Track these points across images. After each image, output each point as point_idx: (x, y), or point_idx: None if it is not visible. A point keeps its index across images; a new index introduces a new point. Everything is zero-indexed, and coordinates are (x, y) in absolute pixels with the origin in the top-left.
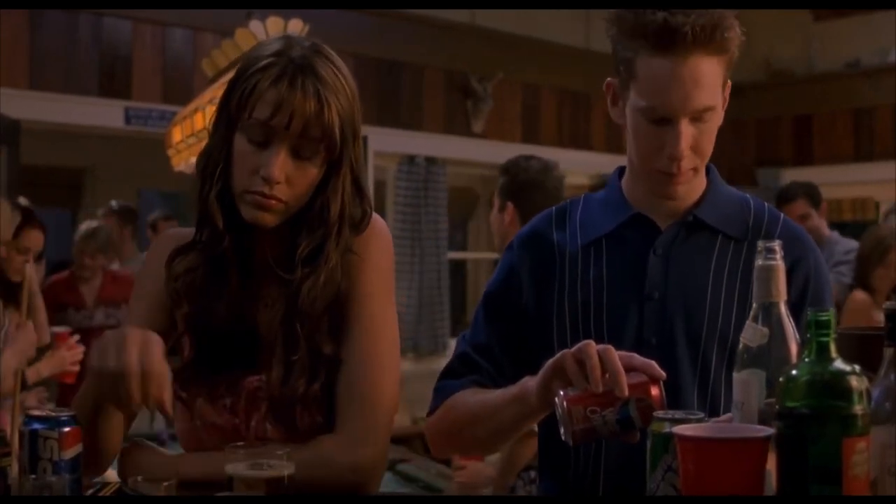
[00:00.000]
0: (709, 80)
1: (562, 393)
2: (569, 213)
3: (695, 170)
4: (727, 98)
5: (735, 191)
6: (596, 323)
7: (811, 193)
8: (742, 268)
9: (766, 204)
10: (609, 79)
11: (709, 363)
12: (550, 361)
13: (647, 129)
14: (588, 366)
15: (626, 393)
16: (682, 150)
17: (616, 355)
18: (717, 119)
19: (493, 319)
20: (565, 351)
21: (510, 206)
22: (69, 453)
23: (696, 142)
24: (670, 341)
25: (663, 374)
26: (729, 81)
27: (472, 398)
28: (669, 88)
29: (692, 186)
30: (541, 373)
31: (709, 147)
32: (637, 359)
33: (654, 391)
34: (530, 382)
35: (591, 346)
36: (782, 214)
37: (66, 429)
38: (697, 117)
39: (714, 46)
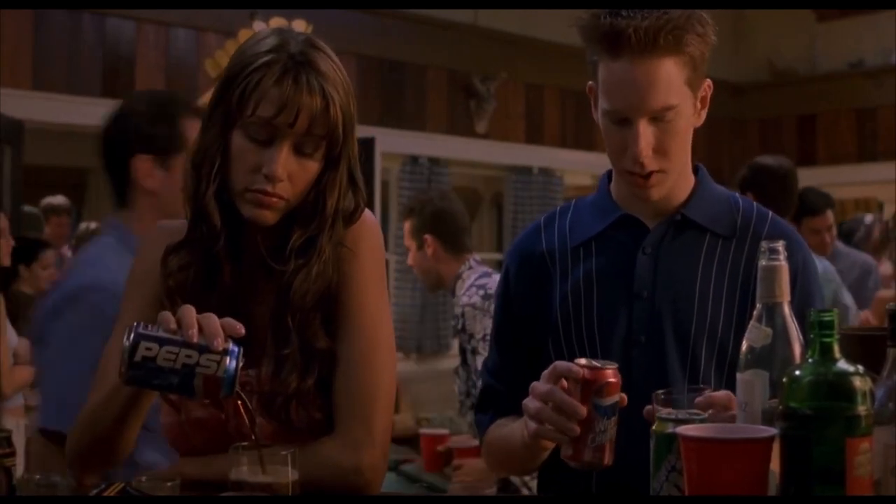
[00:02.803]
0: (664, 80)
1: (566, 458)
2: (556, 219)
3: (662, 171)
4: (706, 98)
5: (724, 189)
6: (587, 322)
7: (832, 203)
8: (730, 265)
9: (754, 203)
10: (590, 82)
11: (698, 360)
12: (525, 431)
13: (612, 131)
14: (556, 426)
15: (585, 412)
16: (641, 149)
17: (555, 389)
18: (683, 119)
19: (502, 340)
20: (526, 429)
21: (429, 238)
22: (197, 382)
23: (658, 142)
24: (660, 339)
25: (577, 366)
26: (708, 80)
27: (498, 436)
28: (624, 90)
29: (675, 187)
30: (522, 437)
31: (676, 147)
32: (559, 367)
33: (591, 375)
34: (525, 434)
35: (538, 409)
36: (770, 213)
37: (224, 380)
38: (658, 117)
39: (663, 48)
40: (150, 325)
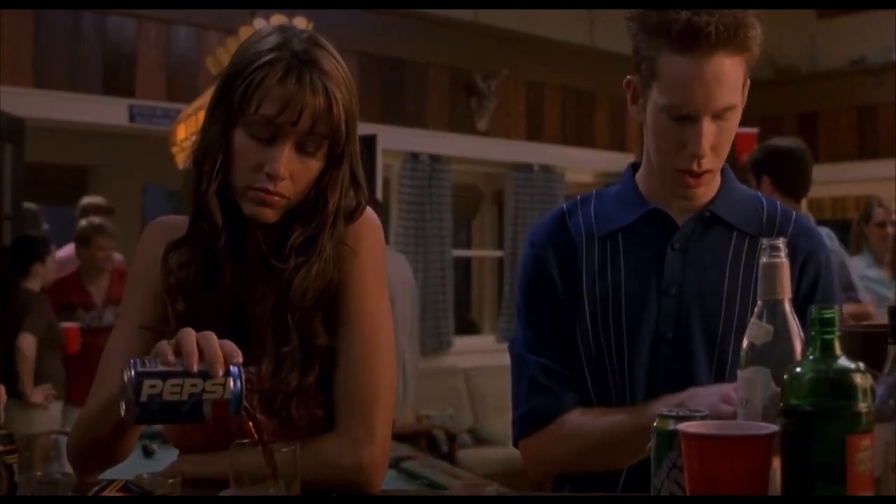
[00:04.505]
0: (731, 79)
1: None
2: (579, 207)
3: (712, 171)
4: (745, 97)
5: (748, 189)
6: (615, 316)
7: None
8: (756, 264)
9: (777, 203)
10: (629, 76)
11: (725, 357)
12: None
13: (669, 127)
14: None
15: None
16: (704, 148)
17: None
18: (737, 118)
19: (536, 322)
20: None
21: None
22: (207, 409)
23: (716, 141)
24: (686, 336)
25: None
26: (748, 80)
27: (612, 423)
28: (693, 87)
29: (709, 186)
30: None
31: (727, 147)
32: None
33: None
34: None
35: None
36: (794, 212)
37: (232, 402)
38: (719, 115)
39: (737, 46)
40: (146, 360)
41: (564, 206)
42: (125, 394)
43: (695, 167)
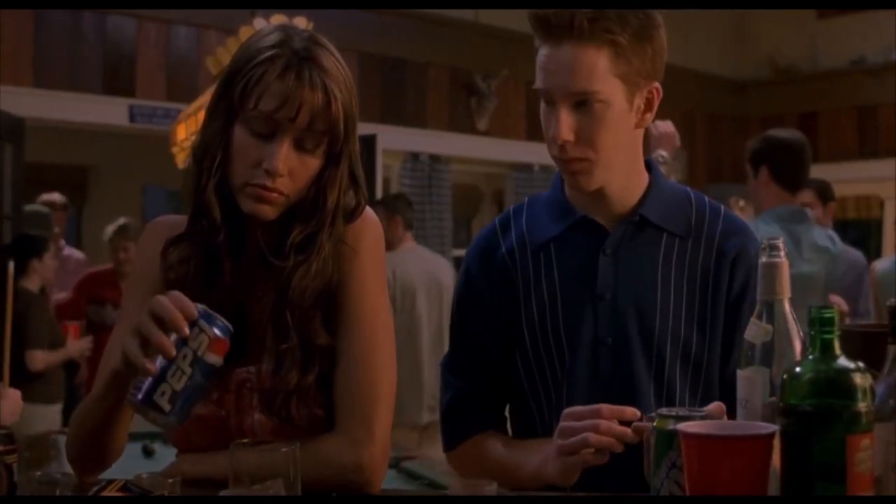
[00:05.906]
0: (586, 67)
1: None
2: (512, 219)
3: (587, 160)
4: (652, 101)
5: (678, 187)
6: (553, 324)
7: (822, 188)
8: (688, 265)
9: (706, 199)
10: None
11: (663, 359)
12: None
13: (543, 114)
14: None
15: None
16: (560, 133)
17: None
18: (612, 112)
19: (469, 343)
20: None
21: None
22: (211, 358)
23: (581, 129)
24: (624, 339)
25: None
26: (656, 85)
27: (493, 457)
28: (548, 73)
29: (628, 185)
30: (537, 472)
31: (605, 140)
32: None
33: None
34: (548, 470)
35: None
36: (723, 207)
37: (221, 335)
38: (580, 102)
39: (592, 38)
40: (137, 383)
41: (497, 220)
42: (152, 418)
43: (558, 153)
